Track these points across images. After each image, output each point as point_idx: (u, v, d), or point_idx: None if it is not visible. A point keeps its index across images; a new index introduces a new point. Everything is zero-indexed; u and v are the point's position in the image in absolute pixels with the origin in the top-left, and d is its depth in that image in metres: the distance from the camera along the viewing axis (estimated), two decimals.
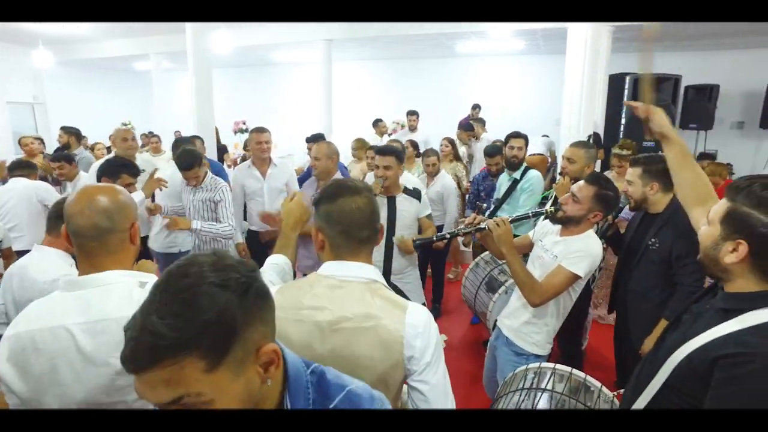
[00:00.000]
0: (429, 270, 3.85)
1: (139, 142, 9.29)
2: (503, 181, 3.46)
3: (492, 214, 3.35)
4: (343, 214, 1.09)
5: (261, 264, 3.99)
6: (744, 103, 7.67)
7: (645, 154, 2.20)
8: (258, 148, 3.29)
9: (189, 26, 5.61)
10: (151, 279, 1.14)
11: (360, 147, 5.52)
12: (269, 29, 7.75)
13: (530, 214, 2.11)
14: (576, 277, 1.79)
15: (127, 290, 1.04)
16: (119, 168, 2.62)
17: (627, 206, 2.29)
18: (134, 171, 2.66)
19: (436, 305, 3.97)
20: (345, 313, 1.03)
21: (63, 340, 0.96)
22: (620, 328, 2.30)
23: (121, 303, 1.00)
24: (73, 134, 4.94)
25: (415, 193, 2.65)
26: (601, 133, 6.56)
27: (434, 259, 3.81)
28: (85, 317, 0.98)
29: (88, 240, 1.06)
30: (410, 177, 3.60)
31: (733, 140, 7.79)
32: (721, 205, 1.05)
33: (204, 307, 0.61)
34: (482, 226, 1.95)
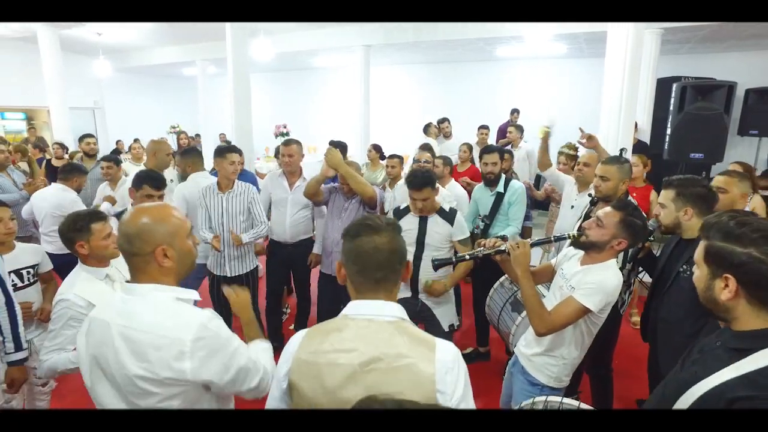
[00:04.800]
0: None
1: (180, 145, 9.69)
2: (482, 197, 3.26)
3: (483, 232, 3.21)
4: (360, 254, 1.12)
5: (286, 271, 3.67)
6: None
7: (679, 176, 2.04)
8: (283, 161, 3.39)
9: (229, 34, 5.76)
10: (189, 295, 1.19)
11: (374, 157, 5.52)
12: (310, 35, 7.91)
13: (552, 239, 2.02)
14: (586, 310, 1.71)
15: (157, 305, 1.14)
16: (142, 179, 2.65)
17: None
18: (156, 183, 2.65)
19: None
20: (376, 353, 1.06)
21: (106, 335, 1.13)
22: (651, 359, 2.16)
23: (155, 319, 1.11)
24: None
25: (450, 215, 2.61)
26: (647, 141, 6.22)
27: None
28: (125, 322, 1.12)
29: (124, 256, 1.19)
30: (446, 194, 3.43)
31: None
32: (699, 247, 1.07)
33: None
34: (502, 248, 1.90)
